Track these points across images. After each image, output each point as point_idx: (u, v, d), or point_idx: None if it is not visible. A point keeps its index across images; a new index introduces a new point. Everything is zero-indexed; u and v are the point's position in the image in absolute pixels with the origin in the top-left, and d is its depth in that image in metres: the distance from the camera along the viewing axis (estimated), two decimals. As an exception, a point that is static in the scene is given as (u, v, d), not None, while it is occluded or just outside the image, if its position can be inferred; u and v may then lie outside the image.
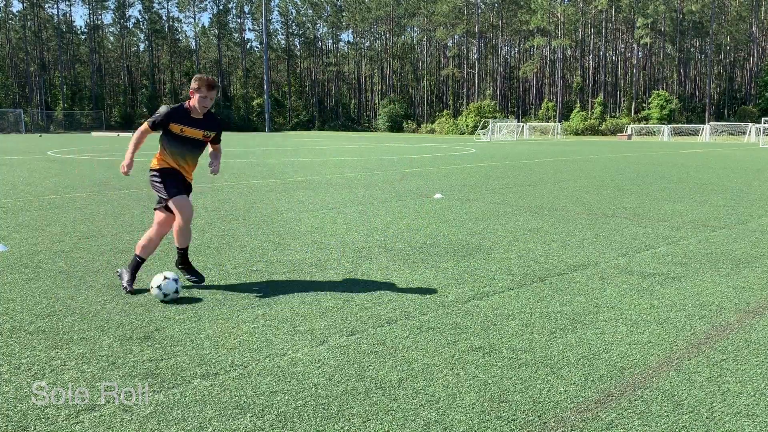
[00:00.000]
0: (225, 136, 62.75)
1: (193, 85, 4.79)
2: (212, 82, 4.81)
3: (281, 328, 3.94)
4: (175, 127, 4.80)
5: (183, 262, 5.07)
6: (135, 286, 4.85)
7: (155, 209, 4.99)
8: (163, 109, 4.83)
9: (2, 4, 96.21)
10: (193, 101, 4.82)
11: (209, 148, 5.31)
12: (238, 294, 4.71)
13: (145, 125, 4.84)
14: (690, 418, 2.79)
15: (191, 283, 5.02)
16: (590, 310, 4.37)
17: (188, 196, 4.96)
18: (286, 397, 2.97)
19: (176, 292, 4.52)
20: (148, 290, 4.68)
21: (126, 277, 4.87)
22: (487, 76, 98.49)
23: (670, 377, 3.22)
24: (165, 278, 4.53)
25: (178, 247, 5.01)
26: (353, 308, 4.36)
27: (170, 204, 4.83)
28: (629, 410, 2.86)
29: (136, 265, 4.93)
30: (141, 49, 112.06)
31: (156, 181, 4.89)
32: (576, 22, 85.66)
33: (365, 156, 24.68)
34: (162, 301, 4.52)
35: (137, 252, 4.95)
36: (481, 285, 5.00)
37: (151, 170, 4.97)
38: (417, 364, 3.38)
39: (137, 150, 4.84)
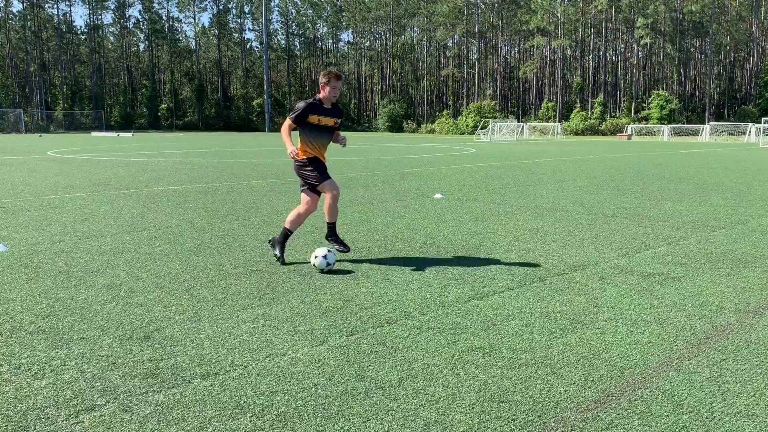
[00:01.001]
0: (225, 136, 62.84)
1: (323, 79, 5.67)
2: (339, 74, 5.79)
3: (281, 328, 3.94)
4: (314, 118, 5.69)
5: (332, 234, 5.87)
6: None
7: (301, 191, 5.85)
8: (300, 104, 5.70)
9: (2, 4, 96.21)
10: (324, 93, 5.69)
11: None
12: (238, 294, 4.72)
13: (288, 121, 5.77)
14: (690, 418, 2.79)
15: (340, 253, 5.83)
16: (590, 310, 4.37)
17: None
18: (286, 397, 2.97)
19: (332, 264, 5.41)
20: (285, 262, 5.67)
21: (277, 248, 5.77)
22: (487, 76, 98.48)
23: (670, 377, 3.22)
24: (328, 251, 5.43)
25: (328, 222, 5.83)
26: (353, 308, 4.36)
27: (321, 186, 5.72)
28: (629, 410, 2.86)
29: (285, 237, 5.81)
30: (141, 49, 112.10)
31: (306, 169, 5.74)
32: (576, 22, 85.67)
33: (365, 156, 24.68)
34: (321, 271, 5.36)
35: (286, 225, 5.81)
36: (481, 285, 5.00)
37: (298, 161, 5.77)
38: (417, 364, 3.38)
39: (291, 138, 5.73)
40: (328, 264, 5.37)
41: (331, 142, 5.94)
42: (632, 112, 78.35)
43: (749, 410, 2.88)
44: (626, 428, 2.70)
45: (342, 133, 6.11)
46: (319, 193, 5.80)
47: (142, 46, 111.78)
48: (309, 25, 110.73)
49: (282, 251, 5.75)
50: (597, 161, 21.94)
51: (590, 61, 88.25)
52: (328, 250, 5.46)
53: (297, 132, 5.85)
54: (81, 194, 11.15)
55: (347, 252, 5.86)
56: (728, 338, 3.81)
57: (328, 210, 5.76)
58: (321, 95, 5.74)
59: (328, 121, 5.77)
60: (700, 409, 2.87)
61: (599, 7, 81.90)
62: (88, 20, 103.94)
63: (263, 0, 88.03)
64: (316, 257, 5.39)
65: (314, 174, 5.70)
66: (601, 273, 5.42)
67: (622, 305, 4.48)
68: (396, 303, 4.49)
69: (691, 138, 56.44)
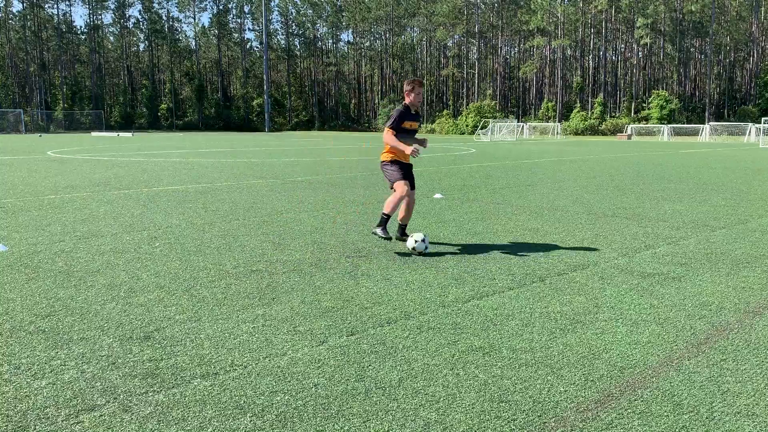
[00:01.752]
0: (226, 135, 62.82)
1: (407, 87, 6.39)
2: (422, 82, 6.53)
3: (281, 328, 3.94)
4: (406, 124, 6.41)
5: (382, 223, 6.39)
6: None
7: (391, 188, 6.48)
8: (395, 113, 6.39)
9: (2, 4, 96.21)
10: (410, 99, 6.41)
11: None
12: (238, 294, 4.72)
13: (390, 130, 6.34)
14: (690, 418, 2.79)
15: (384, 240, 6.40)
16: (590, 310, 4.37)
17: (412, 176, 6.57)
18: (286, 397, 2.97)
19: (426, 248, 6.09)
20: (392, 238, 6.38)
21: (380, 232, 6.31)
22: (487, 76, 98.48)
23: (670, 377, 3.22)
24: (425, 235, 6.12)
25: (383, 213, 6.41)
26: (353, 308, 4.36)
27: (395, 184, 6.34)
28: (629, 410, 2.86)
29: (385, 221, 6.36)
30: (141, 49, 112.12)
31: (390, 169, 6.46)
32: (576, 22, 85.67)
33: (365, 156, 24.68)
34: (420, 253, 6.04)
35: (387, 210, 6.35)
36: (481, 285, 5.00)
37: (383, 162, 6.52)
38: (417, 364, 3.38)
39: (401, 141, 6.30)
40: (426, 247, 6.11)
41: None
42: (632, 112, 78.34)
43: (749, 410, 2.88)
44: (626, 428, 2.70)
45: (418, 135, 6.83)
46: (412, 186, 6.53)
47: (142, 46, 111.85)
48: (309, 25, 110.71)
49: (386, 230, 6.37)
50: (597, 161, 21.94)
51: (590, 61, 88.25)
52: (424, 236, 6.15)
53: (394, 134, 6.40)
54: (81, 194, 11.15)
55: (388, 240, 6.46)
56: (728, 338, 3.81)
57: (389, 203, 6.36)
58: (407, 101, 6.44)
59: (414, 125, 6.55)
60: (700, 409, 2.87)
61: (599, 7, 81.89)
62: (88, 20, 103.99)
63: (263, 0, 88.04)
64: (416, 241, 6.06)
65: (393, 173, 6.40)
66: (601, 273, 5.42)
67: (622, 305, 4.48)
68: (396, 303, 4.49)
69: (691, 138, 56.44)
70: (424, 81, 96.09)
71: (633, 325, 4.03)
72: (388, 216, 6.35)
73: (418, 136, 6.77)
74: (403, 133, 6.38)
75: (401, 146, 6.24)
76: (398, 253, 6.18)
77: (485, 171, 17.04)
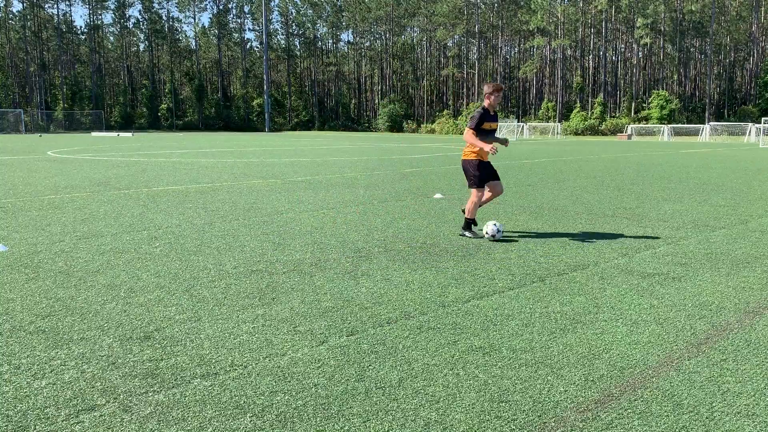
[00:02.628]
0: (226, 135, 62.81)
1: (488, 90, 6.98)
2: (501, 87, 7.05)
3: (281, 328, 3.94)
4: (486, 125, 7.01)
5: (466, 227, 7.13)
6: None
7: (478, 186, 7.07)
8: (476, 114, 7.00)
9: (2, 4, 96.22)
10: (489, 101, 7.00)
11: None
12: (238, 294, 4.72)
13: (471, 130, 6.95)
14: (690, 418, 2.79)
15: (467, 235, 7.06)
16: (590, 310, 4.37)
17: (493, 170, 7.24)
18: (286, 397, 2.97)
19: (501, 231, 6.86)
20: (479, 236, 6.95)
21: (469, 233, 7.06)
22: (487, 76, 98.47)
23: (670, 377, 3.22)
24: (495, 222, 6.94)
25: (463, 211, 7.33)
26: (353, 308, 4.36)
27: (472, 191, 7.07)
28: (629, 410, 2.86)
29: (469, 223, 7.14)
30: (141, 49, 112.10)
31: (471, 172, 7.05)
32: (576, 22, 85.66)
33: (365, 156, 24.68)
34: (493, 238, 6.79)
35: (468, 214, 7.12)
36: (481, 285, 5.00)
37: (465, 159, 7.11)
38: (417, 364, 3.38)
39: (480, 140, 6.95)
40: (499, 231, 6.83)
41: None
42: (632, 112, 78.33)
43: (749, 410, 2.88)
44: (626, 428, 2.70)
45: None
46: (496, 178, 7.21)
47: (142, 46, 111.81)
48: (309, 25, 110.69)
49: (473, 232, 7.11)
50: (597, 161, 21.94)
51: (590, 61, 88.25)
52: (495, 222, 6.93)
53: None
54: (81, 194, 11.15)
55: (480, 239, 7.00)
56: (728, 338, 3.81)
57: (468, 209, 7.11)
58: (486, 104, 7.03)
59: (493, 126, 7.12)
60: (700, 409, 2.87)
61: (599, 7, 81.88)
62: (88, 20, 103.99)
63: (263, 0, 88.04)
64: (488, 227, 6.85)
65: (473, 178, 7.06)
66: (601, 273, 5.42)
67: (622, 305, 4.48)
68: (396, 303, 4.49)
69: (691, 138, 56.44)
70: (424, 81, 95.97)
71: (633, 325, 4.03)
72: (472, 220, 7.13)
73: (498, 135, 7.60)
74: (482, 133, 6.97)
75: (481, 144, 6.85)
76: (479, 237, 7.02)
77: (485, 171, 17.02)
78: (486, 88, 7.01)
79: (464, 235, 7.07)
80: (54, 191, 11.65)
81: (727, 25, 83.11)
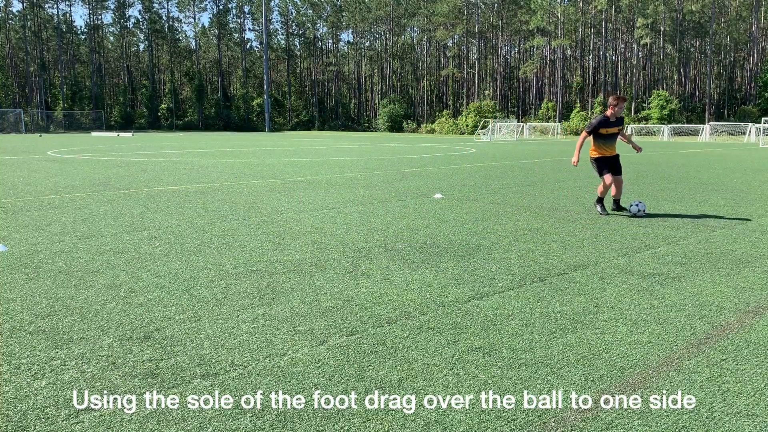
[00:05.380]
0: (225, 135, 62.80)
1: (612, 101, 8.60)
2: (624, 98, 8.73)
3: (281, 328, 3.94)
4: (602, 130, 8.65)
5: (617, 206, 8.89)
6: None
7: (601, 176, 8.76)
8: (595, 120, 8.67)
9: (2, 4, 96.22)
10: (612, 111, 8.58)
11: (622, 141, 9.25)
12: (238, 294, 4.72)
13: (584, 133, 8.72)
14: (690, 418, 2.79)
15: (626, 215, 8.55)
16: (590, 310, 4.37)
17: (617, 164, 8.77)
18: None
19: (643, 210, 8.52)
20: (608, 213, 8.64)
21: (599, 208, 8.78)
22: (487, 76, 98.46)
23: (670, 377, 3.22)
24: (639, 202, 8.65)
25: (613, 197, 8.89)
26: (353, 308, 4.36)
27: (602, 177, 8.69)
28: (629, 410, 2.86)
29: (599, 201, 8.86)
30: (141, 49, 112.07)
31: (595, 165, 8.84)
32: (576, 22, 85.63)
33: (365, 156, 24.68)
34: (634, 215, 8.47)
35: (599, 194, 8.84)
36: (481, 285, 5.00)
37: (591, 158, 8.88)
38: (417, 364, 3.38)
39: (581, 148, 8.78)
40: (640, 210, 8.48)
41: (631, 147, 9.17)
42: (632, 112, 78.30)
43: (749, 410, 2.88)
44: (626, 428, 2.70)
45: (631, 140, 9.18)
46: (618, 171, 8.76)
47: (142, 46, 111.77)
48: (309, 25, 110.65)
49: (603, 208, 8.81)
50: (597, 161, 21.94)
51: (590, 61, 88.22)
52: (639, 201, 8.65)
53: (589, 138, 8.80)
54: (81, 194, 11.15)
55: (606, 215, 8.64)
56: (728, 338, 3.81)
57: (599, 189, 8.84)
58: (608, 113, 8.62)
59: (612, 130, 8.67)
60: (700, 409, 2.87)
61: (599, 7, 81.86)
62: (88, 20, 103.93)
63: (263, 0, 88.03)
64: (631, 206, 8.57)
65: (598, 168, 8.76)
66: (601, 273, 5.42)
67: (622, 305, 4.48)
68: (396, 303, 4.49)
69: (691, 138, 56.43)
70: (424, 81, 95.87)
71: (633, 325, 4.03)
72: (601, 198, 8.81)
73: (634, 141, 9.24)
74: (600, 137, 8.64)
75: (576, 149, 8.77)
76: (606, 214, 8.70)
77: (485, 171, 17.04)
78: (611, 100, 8.61)
79: (596, 209, 8.91)
80: (54, 191, 11.65)
81: (727, 25, 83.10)
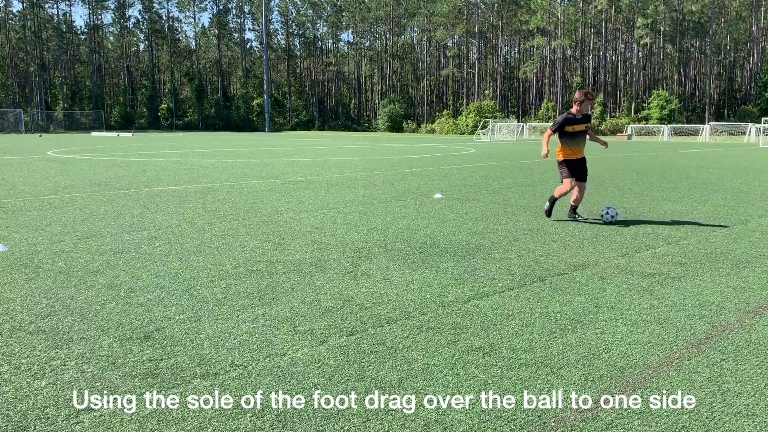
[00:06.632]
0: (226, 135, 62.81)
1: (578, 97, 8.03)
2: (593, 95, 8.12)
3: (281, 328, 3.94)
4: (568, 128, 8.05)
5: (573, 212, 8.39)
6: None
7: (564, 179, 8.19)
8: (560, 117, 8.14)
9: (2, 4, 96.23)
10: (577, 107, 8.05)
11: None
12: (238, 294, 4.72)
13: (549, 131, 8.19)
14: (690, 418, 2.79)
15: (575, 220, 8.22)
16: (590, 310, 4.37)
17: (583, 168, 8.26)
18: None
19: (614, 216, 7.97)
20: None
21: (547, 206, 8.44)
22: (487, 76, 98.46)
23: (670, 377, 3.22)
24: (609, 207, 8.09)
25: (572, 203, 8.37)
26: (353, 308, 4.36)
27: (563, 180, 8.15)
28: (629, 410, 2.86)
29: (552, 200, 8.40)
30: (141, 49, 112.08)
31: (560, 168, 8.26)
32: (576, 22, 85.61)
33: (365, 156, 24.68)
34: (606, 222, 7.95)
35: (556, 194, 8.33)
36: (481, 285, 5.00)
37: (558, 161, 8.26)
38: (417, 364, 3.38)
39: (548, 144, 8.14)
40: (612, 216, 7.96)
41: (597, 144, 8.61)
42: (632, 112, 78.31)
43: (749, 410, 2.88)
44: (626, 428, 2.70)
45: (598, 138, 8.71)
46: (582, 178, 8.24)
47: (142, 46, 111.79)
48: (309, 25, 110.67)
49: (550, 209, 8.45)
50: (597, 161, 21.94)
51: (590, 61, 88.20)
52: (610, 207, 8.12)
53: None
54: (81, 194, 11.15)
55: (547, 216, 8.39)
56: (728, 338, 3.81)
57: (558, 190, 8.30)
58: (573, 110, 8.11)
59: (578, 128, 8.08)
60: (700, 409, 2.87)
61: (599, 7, 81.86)
62: (88, 20, 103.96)
63: (263, 0, 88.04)
64: (603, 215, 8.04)
65: (562, 172, 8.21)
66: (601, 273, 5.42)
67: (622, 305, 4.48)
68: (396, 303, 4.49)
69: (691, 138, 56.43)
70: (424, 81, 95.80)
71: (633, 325, 4.03)
72: (555, 199, 8.33)
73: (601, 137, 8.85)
74: (567, 135, 8.07)
75: (544, 145, 8.15)
76: (548, 215, 8.44)
77: (485, 171, 17.04)
78: (578, 95, 8.05)
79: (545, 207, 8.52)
80: (54, 191, 11.65)
81: (727, 25, 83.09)
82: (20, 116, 78.29)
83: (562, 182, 8.17)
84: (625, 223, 8.07)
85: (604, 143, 8.63)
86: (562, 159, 8.17)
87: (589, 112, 8.16)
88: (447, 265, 5.67)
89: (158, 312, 4.27)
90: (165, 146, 34.62)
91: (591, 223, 8.14)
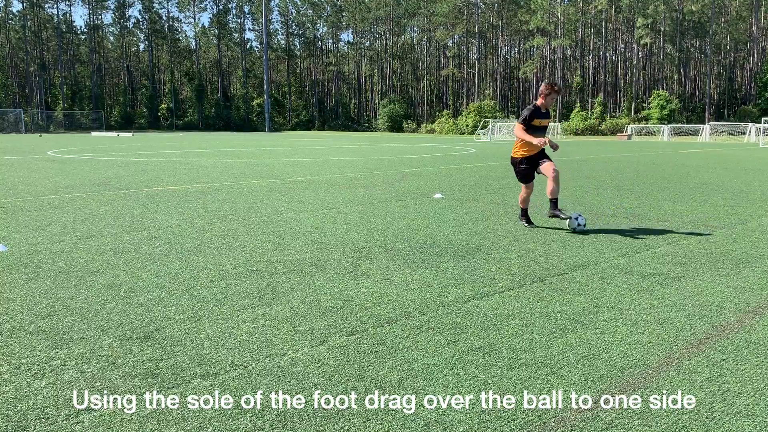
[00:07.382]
0: (226, 135, 62.83)
1: (544, 90, 7.35)
2: (559, 89, 7.46)
3: (281, 328, 3.94)
4: (536, 121, 7.43)
5: (523, 214, 7.87)
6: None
7: (521, 183, 7.72)
8: (526, 111, 7.43)
9: (2, 4, 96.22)
10: (542, 101, 7.39)
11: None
12: (238, 294, 4.71)
13: (520, 125, 7.37)
14: (690, 418, 2.79)
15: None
16: (590, 310, 4.37)
17: (540, 154, 7.55)
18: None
19: (581, 225, 7.26)
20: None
21: (525, 221, 7.79)
22: (487, 76, 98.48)
23: (670, 377, 3.22)
24: (579, 215, 7.35)
25: (550, 198, 7.47)
26: (353, 308, 4.36)
27: (522, 186, 7.71)
28: (629, 410, 2.86)
29: (523, 213, 7.84)
30: (141, 49, 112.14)
31: (519, 167, 7.65)
32: (576, 22, 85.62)
33: (365, 156, 24.68)
34: (574, 230, 7.27)
35: (521, 205, 7.82)
36: (481, 285, 5.00)
37: (515, 159, 7.64)
38: (417, 364, 3.38)
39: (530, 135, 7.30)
40: (579, 225, 7.25)
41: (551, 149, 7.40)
42: (632, 112, 78.30)
43: (749, 410, 2.88)
44: (626, 428, 2.70)
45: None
46: (549, 159, 7.58)
47: (142, 46, 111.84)
48: (309, 25, 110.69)
49: (528, 220, 7.83)
50: (597, 161, 21.94)
51: (590, 61, 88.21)
52: (580, 215, 7.40)
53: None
54: (81, 194, 11.15)
55: (530, 227, 7.72)
56: (728, 338, 3.81)
57: (550, 186, 7.47)
58: (539, 102, 7.43)
59: (544, 122, 7.53)
60: (700, 409, 2.87)
61: (599, 7, 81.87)
62: (88, 20, 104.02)
63: (263, 0, 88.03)
64: (572, 217, 7.33)
65: (520, 175, 7.69)
66: (601, 273, 5.42)
67: (622, 305, 4.48)
68: (396, 303, 4.49)
69: (691, 138, 56.42)
70: (424, 81, 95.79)
71: (633, 325, 4.03)
72: (523, 209, 7.82)
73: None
74: (532, 129, 7.39)
75: (529, 138, 7.23)
76: (533, 226, 7.76)
77: (485, 171, 17.04)
78: (543, 88, 7.41)
79: (521, 221, 7.88)
80: (54, 191, 11.65)
81: (727, 25, 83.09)
82: (20, 116, 78.30)
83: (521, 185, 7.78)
84: (625, 223, 8.07)
85: (555, 146, 7.41)
86: (521, 157, 7.57)
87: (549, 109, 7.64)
88: (447, 265, 5.66)
89: (158, 312, 4.27)
90: (165, 146, 34.62)
91: (590, 223, 8.14)
